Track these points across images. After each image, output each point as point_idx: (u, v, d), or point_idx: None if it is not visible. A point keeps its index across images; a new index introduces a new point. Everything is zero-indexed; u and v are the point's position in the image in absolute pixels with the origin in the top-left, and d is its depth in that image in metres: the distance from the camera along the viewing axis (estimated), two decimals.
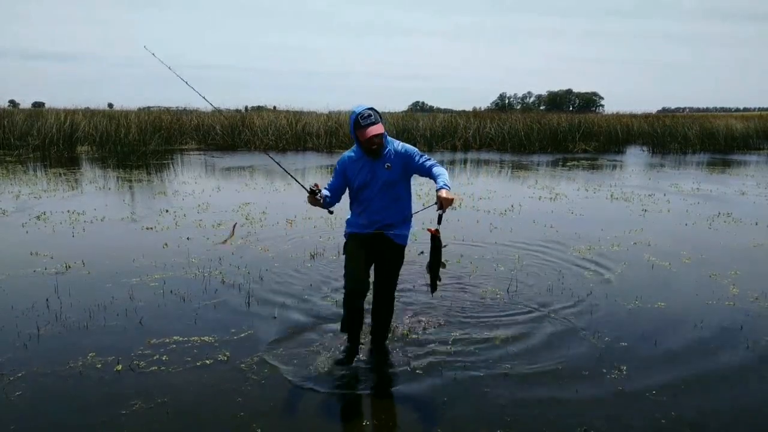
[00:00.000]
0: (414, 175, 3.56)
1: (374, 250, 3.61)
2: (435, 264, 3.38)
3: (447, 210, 3.16)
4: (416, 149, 3.52)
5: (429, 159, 3.46)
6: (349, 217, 3.69)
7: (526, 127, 23.21)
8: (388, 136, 3.50)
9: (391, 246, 3.58)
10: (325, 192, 3.47)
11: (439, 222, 3.30)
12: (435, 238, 3.29)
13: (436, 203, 3.15)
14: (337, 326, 3.97)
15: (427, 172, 3.41)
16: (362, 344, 3.82)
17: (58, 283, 5.04)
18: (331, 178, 3.58)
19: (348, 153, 3.58)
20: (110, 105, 34.60)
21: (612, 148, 22.75)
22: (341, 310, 3.86)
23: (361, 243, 3.57)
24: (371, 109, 3.40)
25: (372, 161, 3.46)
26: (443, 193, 3.11)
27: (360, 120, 3.35)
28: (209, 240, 6.63)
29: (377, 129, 3.35)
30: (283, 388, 3.30)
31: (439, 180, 3.25)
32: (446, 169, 3.40)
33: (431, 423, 3.01)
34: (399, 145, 3.54)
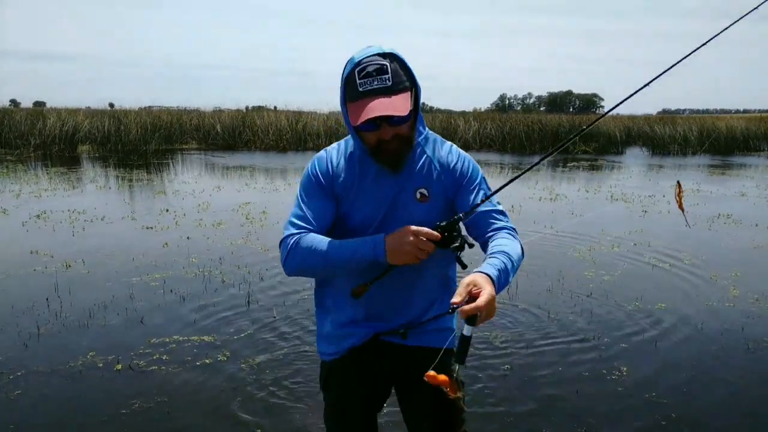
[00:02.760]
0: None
1: (388, 381, 1.83)
2: None
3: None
4: (480, 171, 1.72)
5: (498, 206, 1.67)
6: (319, 314, 1.82)
7: (527, 128, 23.21)
8: (425, 126, 1.68)
9: (425, 360, 1.48)
10: (305, 237, 1.60)
11: (461, 355, 1.33)
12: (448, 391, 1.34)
13: (454, 306, 1.32)
14: None
15: (481, 230, 1.64)
16: None
17: (58, 282, 5.04)
18: (297, 205, 1.68)
19: (332, 148, 1.72)
20: (111, 104, 34.62)
21: (612, 150, 22.75)
22: None
23: (358, 375, 1.77)
24: (387, 56, 1.52)
25: (389, 175, 1.64)
26: (484, 295, 1.31)
27: (357, 78, 1.50)
28: None
29: (393, 106, 1.49)
30: (284, 388, 3.30)
31: (492, 262, 1.47)
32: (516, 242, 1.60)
33: None
34: (448, 149, 1.72)
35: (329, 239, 1.58)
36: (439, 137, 1.73)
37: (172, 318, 4.31)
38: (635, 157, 20.76)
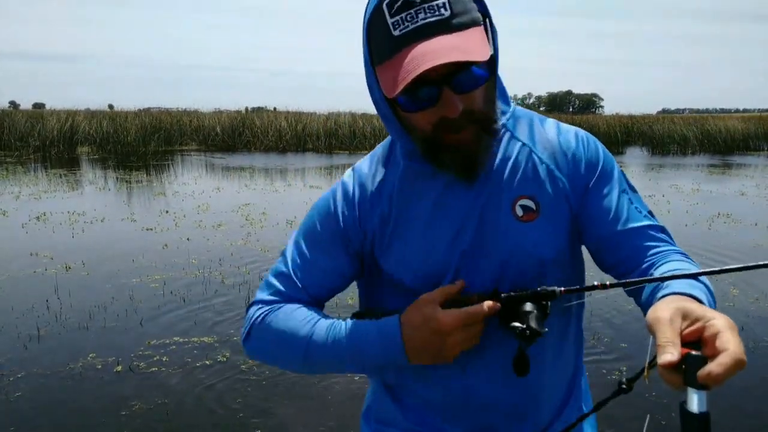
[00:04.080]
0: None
1: None
2: None
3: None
4: (613, 159, 1.04)
5: (655, 219, 1.02)
6: (372, 385, 1.17)
7: None
8: (509, 99, 1.02)
9: None
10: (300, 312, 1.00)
11: None
12: None
13: (647, 362, 0.70)
14: None
15: (632, 258, 0.97)
16: None
17: (58, 283, 5.04)
18: (286, 253, 1.06)
19: (362, 164, 1.06)
20: (110, 106, 34.69)
21: (612, 149, 22.72)
22: (341, 311, 3.85)
23: None
24: None
25: (461, 186, 0.98)
26: (726, 333, 0.63)
27: (389, 15, 0.84)
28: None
29: (462, 46, 0.83)
30: (283, 389, 3.30)
31: (690, 283, 0.82)
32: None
33: None
34: (555, 129, 1.03)
35: (318, 319, 0.98)
36: (534, 113, 1.07)
37: (171, 319, 4.31)
38: (635, 157, 20.76)
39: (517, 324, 0.86)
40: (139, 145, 19.13)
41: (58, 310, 4.44)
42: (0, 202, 9.09)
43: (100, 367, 3.53)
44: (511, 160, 0.99)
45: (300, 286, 1.02)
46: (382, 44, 0.87)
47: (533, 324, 0.86)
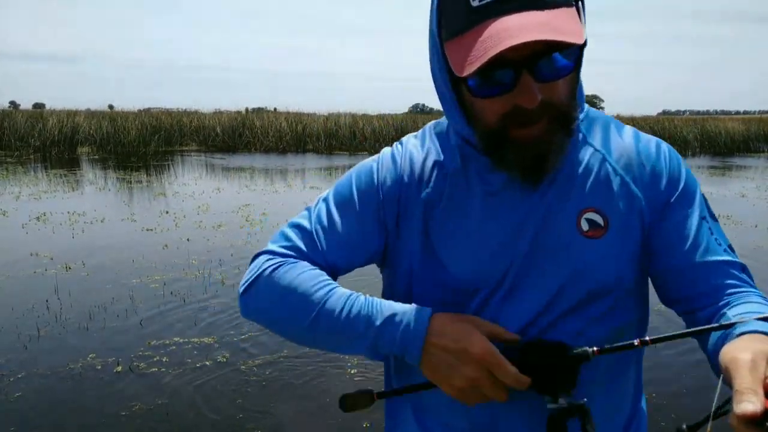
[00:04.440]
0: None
1: None
2: None
3: None
4: (696, 180, 0.93)
5: (735, 255, 0.87)
6: (388, 416, 1.10)
7: None
8: (584, 98, 0.90)
9: None
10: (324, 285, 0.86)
11: None
12: None
13: (713, 409, 0.60)
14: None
15: (705, 294, 0.84)
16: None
17: (58, 284, 5.04)
18: (311, 210, 0.96)
19: (411, 138, 0.96)
20: (111, 106, 34.72)
21: None
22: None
23: None
24: None
25: (522, 188, 0.86)
26: None
27: None
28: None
29: (553, 25, 0.72)
30: (283, 390, 3.30)
31: None
32: None
33: None
34: (633, 138, 0.93)
35: (336, 285, 0.87)
36: (611, 117, 0.96)
37: (171, 320, 4.31)
38: None
39: (553, 407, 0.77)
40: (140, 145, 19.14)
41: (58, 310, 4.44)
42: (0, 202, 9.09)
43: (100, 367, 3.52)
44: (582, 167, 0.87)
45: (320, 247, 0.91)
46: (456, 15, 0.76)
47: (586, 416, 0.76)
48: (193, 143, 22.57)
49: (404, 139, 0.97)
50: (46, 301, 4.63)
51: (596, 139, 0.89)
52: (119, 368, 3.51)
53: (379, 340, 0.82)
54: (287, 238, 0.93)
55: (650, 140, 0.93)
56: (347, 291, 0.86)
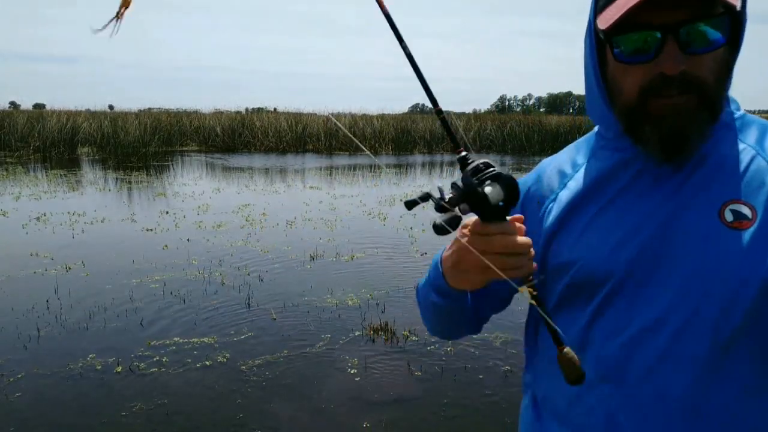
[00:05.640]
0: None
1: None
2: None
3: None
4: None
5: None
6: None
7: (527, 129, 23.26)
8: (737, 104, 0.87)
9: None
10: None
11: None
12: None
13: None
14: (336, 326, 3.97)
15: None
16: (363, 349, 3.82)
17: (58, 284, 5.04)
18: None
19: (570, 147, 1.01)
20: (111, 107, 34.75)
21: None
22: (342, 311, 3.85)
23: None
24: None
25: (657, 177, 0.84)
26: None
27: None
28: None
29: None
30: (283, 389, 3.30)
31: None
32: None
33: (431, 424, 3.00)
34: None
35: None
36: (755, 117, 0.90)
37: (171, 320, 4.31)
38: None
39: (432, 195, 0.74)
40: (140, 145, 19.14)
41: (58, 310, 4.44)
42: (0, 202, 9.10)
43: (100, 367, 3.53)
44: (731, 159, 0.82)
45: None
46: None
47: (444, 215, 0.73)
48: (193, 143, 22.58)
49: (578, 143, 1.01)
50: (46, 301, 4.63)
51: (750, 138, 0.84)
52: (119, 368, 3.51)
53: (431, 281, 0.93)
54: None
55: None
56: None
